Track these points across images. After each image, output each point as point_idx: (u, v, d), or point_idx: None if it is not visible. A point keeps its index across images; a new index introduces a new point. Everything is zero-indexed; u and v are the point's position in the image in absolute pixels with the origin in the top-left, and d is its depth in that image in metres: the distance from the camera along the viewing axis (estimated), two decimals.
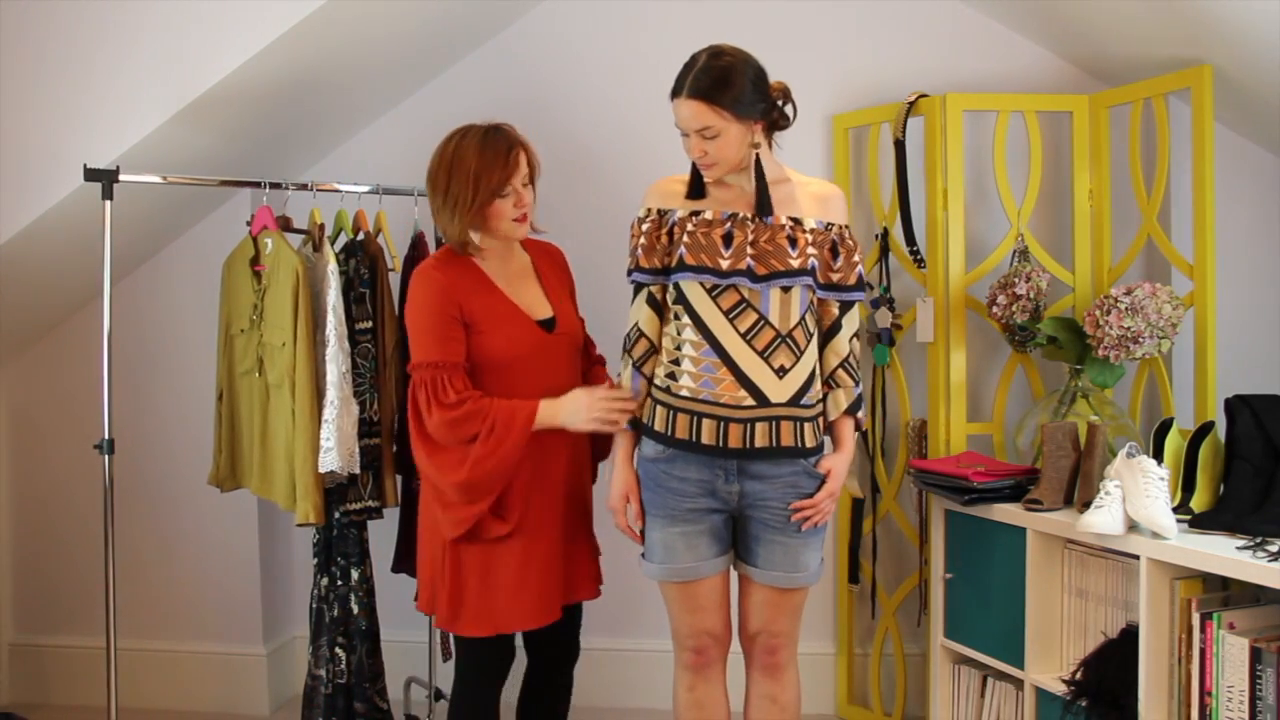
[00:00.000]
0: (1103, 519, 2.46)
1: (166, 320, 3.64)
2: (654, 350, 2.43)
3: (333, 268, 2.93)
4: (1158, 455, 2.67)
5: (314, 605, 3.11)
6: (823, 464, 2.39)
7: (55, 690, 3.72)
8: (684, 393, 2.33)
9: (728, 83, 2.24)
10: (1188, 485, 2.64)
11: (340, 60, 3.17)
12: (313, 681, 3.10)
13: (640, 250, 2.40)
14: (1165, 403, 3.04)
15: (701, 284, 2.32)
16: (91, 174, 2.82)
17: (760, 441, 2.30)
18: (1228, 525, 2.44)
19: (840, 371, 2.44)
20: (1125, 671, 2.49)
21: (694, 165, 2.36)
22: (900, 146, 3.29)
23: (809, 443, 2.36)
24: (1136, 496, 2.46)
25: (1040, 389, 3.24)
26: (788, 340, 2.32)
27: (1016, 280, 3.04)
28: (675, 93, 2.28)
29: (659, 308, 2.43)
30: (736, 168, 2.34)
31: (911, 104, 3.26)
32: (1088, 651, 2.63)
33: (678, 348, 2.36)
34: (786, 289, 2.32)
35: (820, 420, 2.42)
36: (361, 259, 3.03)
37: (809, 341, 2.37)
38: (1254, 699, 2.23)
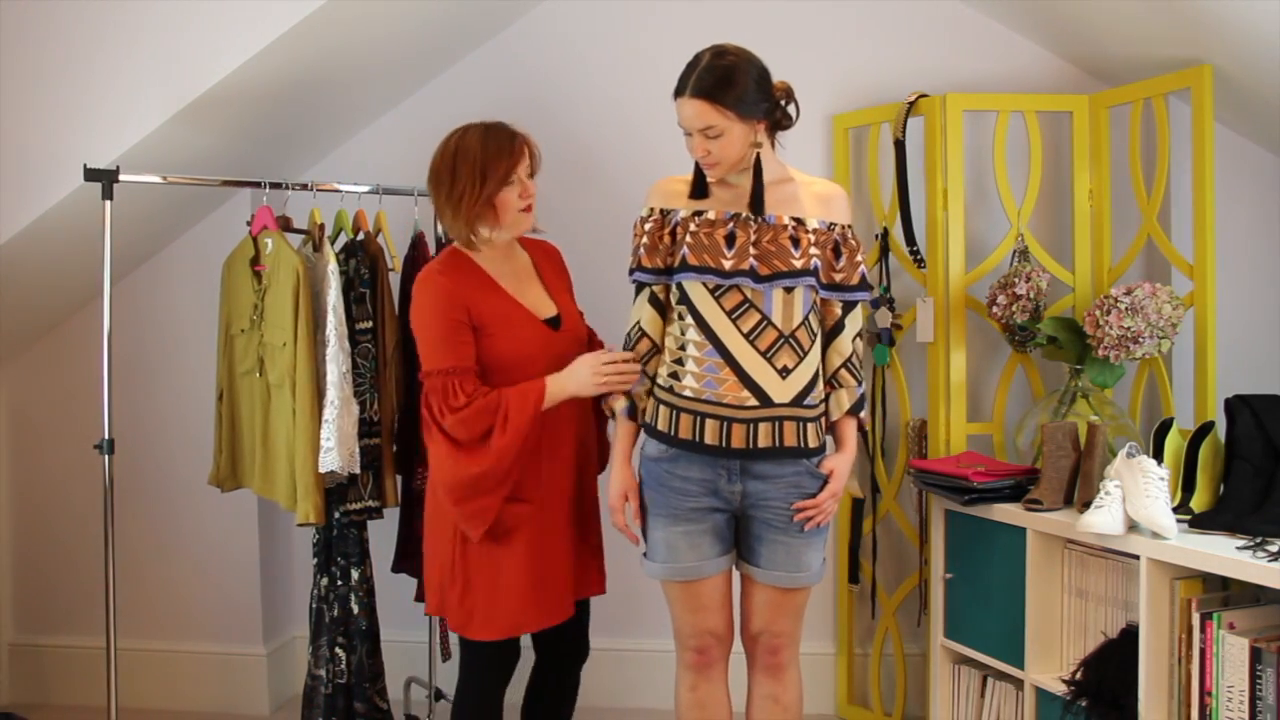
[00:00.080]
0: (1103, 519, 2.46)
1: (166, 320, 3.64)
2: (657, 350, 2.43)
3: (333, 268, 2.92)
4: (1158, 455, 2.67)
5: (314, 605, 3.11)
6: (825, 464, 2.39)
7: (55, 690, 3.72)
8: (687, 393, 2.33)
9: (731, 82, 2.24)
10: (1188, 485, 2.64)
11: (340, 60, 3.17)
12: (313, 681, 3.10)
13: (643, 250, 2.40)
14: (1165, 403, 3.05)
15: (704, 284, 2.32)
16: (91, 174, 2.82)
17: (763, 442, 2.31)
18: (1228, 525, 2.44)
19: (843, 371, 2.44)
20: (1125, 671, 2.49)
21: (697, 165, 2.36)
22: (900, 146, 3.30)
23: (812, 443, 2.36)
24: (1136, 496, 2.46)
25: (1040, 389, 3.24)
26: (790, 341, 2.32)
27: (1016, 280, 3.04)
28: (678, 92, 2.28)
29: (662, 308, 2.43)
30: (739, 167, 2.34)
31: (911, 104, 3.26)
32: (1088, 651, 2.64)
33: (681, 348, 2.36)
34: (789, 289, 2.32)
35: (823, 420, 2.42)
36: (362, 259, 3.03)
37: (812, 342, 2.37)
38: (1254, 699, 2.23)
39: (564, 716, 2.70)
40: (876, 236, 3.41)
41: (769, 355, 2.31)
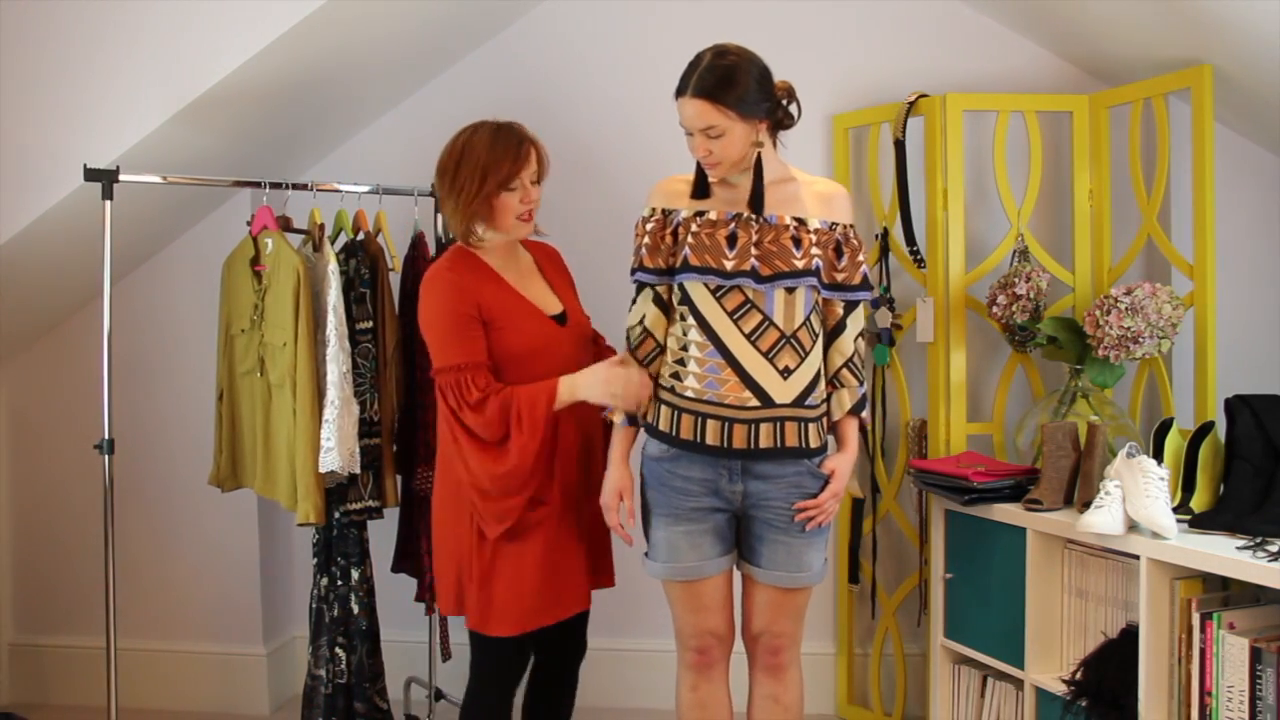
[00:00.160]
0: (1103, 519, 2.46)
1: (166, 320, 3.64)
2: (660, 350, 2.43)
3: (333, 268, 2.92)
4: (1158, 455, 2.67)
5: (314, 605, 3.11)
6: (826, 464, 2.39)
7: (55, 690, 3.72)
8: (689, 393, 2.33)
9: (732, 82, 2.24)
10: (1188, 485, 2.64)
11: (340, 60, 3.17)
12: (313, 681, 3.10)
13: (644, 250, 2.40)
14: (1165, 403, 3.05)
15: (706, 285, 2.32)
16: (91, 174, 2.82)
17: (765, 442, 2.31)
18: (1228, 525, 2.44)
19: (844, 371, 2.44)
20: (1125, 671, 2.49)
21: (698, 165, 2.35)
22: (900, 146, 3.30)
23: (813, 443, 2.36)
24: (1136, 496, 2.46)
25: (1040, 389, 3.24)
26: (792, 341, 2.32)
27: (1016, 280, 3.04)
28: (680, 92, 2.28)
29: (665, 307, 2.43)
30: (741, 167, 2.34)
31: (911, 104, 3.26)
32: (1088, 651, 2.64)
33: (683, 348, 2.36)
34: (791, 289, 2.32)
35: (824, 420, 2.42)
36: (362, 259, 3.03)
37: (814, 342, 2.37)
38: (1254, 699, 2.23)
39: (564, 714, 2.70)
40: (876, 236, 3.41)
41: (770, 356, 2.31)
